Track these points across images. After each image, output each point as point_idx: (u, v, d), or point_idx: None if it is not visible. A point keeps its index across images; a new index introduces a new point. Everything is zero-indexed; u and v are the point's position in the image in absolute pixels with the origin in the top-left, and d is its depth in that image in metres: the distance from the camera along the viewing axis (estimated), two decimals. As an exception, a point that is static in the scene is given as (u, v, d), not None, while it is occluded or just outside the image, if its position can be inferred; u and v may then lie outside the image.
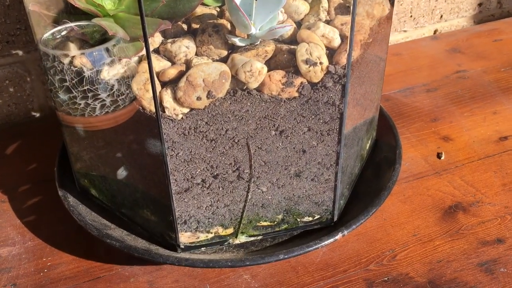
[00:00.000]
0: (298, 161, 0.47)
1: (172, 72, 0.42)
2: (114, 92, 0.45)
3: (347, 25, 0.46)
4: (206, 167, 0.45)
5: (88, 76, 0.46)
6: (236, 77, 0.42)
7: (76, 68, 0.46)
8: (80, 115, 0.50)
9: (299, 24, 0.49)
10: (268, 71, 0.43)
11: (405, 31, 1.00)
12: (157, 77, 0.43)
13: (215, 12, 0.52)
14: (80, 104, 0.48)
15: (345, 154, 0.49)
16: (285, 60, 0.44)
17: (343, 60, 0.44)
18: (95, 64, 0.45)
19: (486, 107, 0.75)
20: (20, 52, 0.75)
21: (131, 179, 0.50)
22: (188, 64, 0.44)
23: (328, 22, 0.48)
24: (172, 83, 0.42)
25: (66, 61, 0.47)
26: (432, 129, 0.72)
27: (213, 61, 0.46)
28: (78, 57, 0.46)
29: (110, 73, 0.43)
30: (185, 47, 0.45)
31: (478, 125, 0.72)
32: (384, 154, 0.61)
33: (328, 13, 0.49)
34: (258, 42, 0.45)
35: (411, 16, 0.99)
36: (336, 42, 0.45)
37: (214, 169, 0.45)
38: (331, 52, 0.45)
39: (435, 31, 1.04)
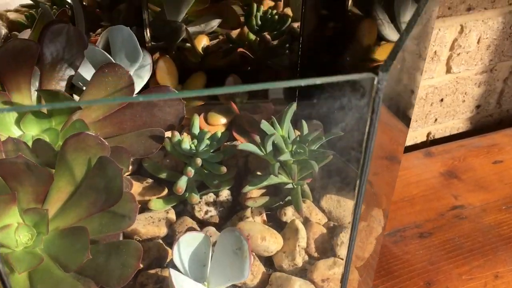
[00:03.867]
0: None
1: None
2: None
3: (328, 282, 0.35)
4: None
5: None
6: None
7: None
8: None
9: (269, 260, 0.39)
10: None
11: (396, 136, 0.91)
12: None
13: (163, 231, 0.41)
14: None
15: None
16: None
17: None
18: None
19: (486, 267, 0.66)
20: None
21: None
22: None
23: (306, 267, 0.37)
24: None
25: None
26: (425, 300, 0.62)
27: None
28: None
29: None
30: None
31: (478, 296, 0.62)
32: None
33: (307, 246, 0.38)
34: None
35: (403, 122, 0.89)
36: (315, 311, 0.35)
37: None
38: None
39: (428, 134, 0.95)
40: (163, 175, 0.45)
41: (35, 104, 0.44)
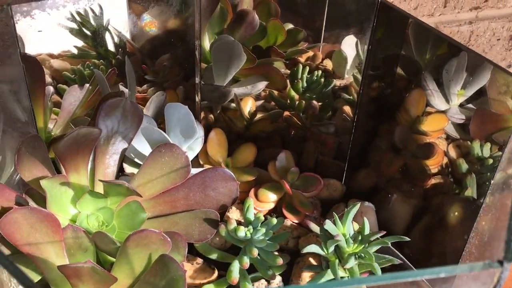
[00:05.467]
0: None
1: None
2: None
3: None
4: None
5: None
6: None
7: None
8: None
9: None
10: None
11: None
12: None
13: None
14: None
15: None
16: None
17: None
18: None
19: None
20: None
21: None
22: None
23: None
24: None
25: None
26: None
27: None
28: None
29: None
30: None
31: None
32: None
33: None
34: None
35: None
36: None
37: None
38: None
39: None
40: (214, 256, 0.45)
41: (89, 184, 0.43)
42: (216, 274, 0.45)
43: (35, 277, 0.38)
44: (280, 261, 0.41)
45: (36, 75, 0.49)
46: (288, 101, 0.62)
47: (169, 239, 0.37)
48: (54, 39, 0.60)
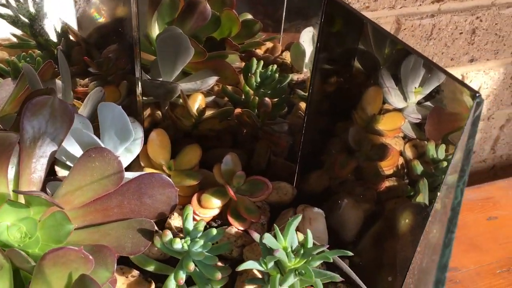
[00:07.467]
0: None
1: None
2: None
3: None
4: None
5: None
6: None
7: None
8: None
9: None
10: None
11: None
12: None
13: None
14: None
15: None
16: None
17: None
18: None
19: None
20: None
21: None
22: None
23: None
24: None
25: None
26: None
27: None
28: None
29: None
30: None
31: None
32: None
33: None
34: None
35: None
36: None
37: None
38: None
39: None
40: (151, 268, 0.42)
41: (11, 193, 0.39)
42: (153, 287, 0.42)
43: None
44: (218, 275, 0.38)
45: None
46: (243, 97, 0.58)
47: (91, 257, 0.34)
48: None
